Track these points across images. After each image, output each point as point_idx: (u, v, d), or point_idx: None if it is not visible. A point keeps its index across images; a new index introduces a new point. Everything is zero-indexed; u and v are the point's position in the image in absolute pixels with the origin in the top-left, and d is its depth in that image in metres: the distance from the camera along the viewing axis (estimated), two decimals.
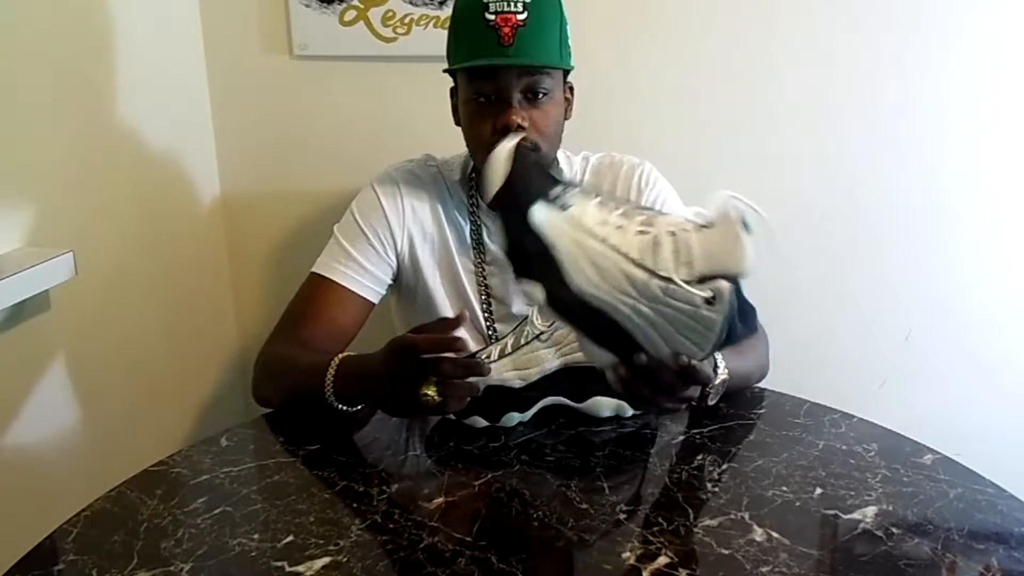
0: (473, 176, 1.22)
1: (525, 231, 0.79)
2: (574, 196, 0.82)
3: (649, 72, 1.50)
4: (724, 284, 0.77)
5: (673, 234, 0.80)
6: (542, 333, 0.97)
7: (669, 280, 0.79)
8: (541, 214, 0.79)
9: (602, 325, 0.81)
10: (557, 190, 0.81)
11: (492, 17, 1.03)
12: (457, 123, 1.16)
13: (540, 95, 1.08)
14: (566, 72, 1.13)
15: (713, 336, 0.79)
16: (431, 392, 0.90)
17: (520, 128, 1.06)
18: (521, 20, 1.04)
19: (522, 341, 0.99)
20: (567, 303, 0.81)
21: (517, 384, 0.97)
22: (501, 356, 0.98)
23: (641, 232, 0.80)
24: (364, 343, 1.16)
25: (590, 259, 0.80)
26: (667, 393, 0.88)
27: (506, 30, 1.03)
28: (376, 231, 1.17)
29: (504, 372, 0.97)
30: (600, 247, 0.80)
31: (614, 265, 0.79)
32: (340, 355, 1.00)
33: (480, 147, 1.10)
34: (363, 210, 1.19)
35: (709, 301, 0.78)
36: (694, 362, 0.81)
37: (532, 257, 0.80)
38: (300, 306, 1.16)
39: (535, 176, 0.82)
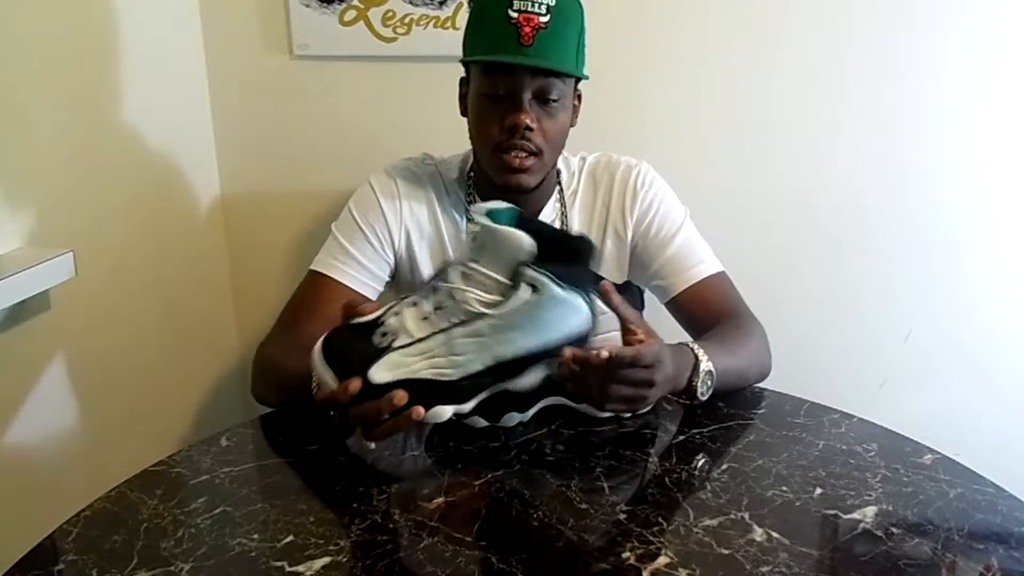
0: (472, 174, 1.22)
1: (382, 394, 0.82)
2: (391, 328, 0.85)
3: (648, 72, 1.50)
4: (526, 270, 0.83)
5: (465, 276, 0.86)
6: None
7: (496, 303, 0.84)
8: (380, 371, 0.83)
9: (508, 372, 0.86)
10: (376, 339, 0.85)
11: (515, 15, 1.03)
12: (463, 113, 1.16)
13: (551, 100, 1.08)
14: (577, 80, 1.13)
15: (577, 304, 0.84)
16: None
17: (528, 130, 1.07)
18: (543, 22, 1.04)
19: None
20: (467, 384, 0.85)
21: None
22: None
23: (451, 300, 0.85)
24: None
25: (446, 354, 0.84)
26: (619, 379, 0.89)
27: (527, 30, 1.03)
28: (374, 228, 1.18)
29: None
30: (439, 340, 0.84)
31: (464, 338, 0.84)
32: None
33: (485, 143, 1.10)
34: (361, 208, 1.19)
35: (536, 289, 0.83)
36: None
37: (410, 405, 0.83)
38: (298, 303, 1.17)
39: (351, 348, 0.85)
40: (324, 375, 0.85)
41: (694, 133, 1.52)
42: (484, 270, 0.86)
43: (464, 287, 0.86)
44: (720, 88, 1.49)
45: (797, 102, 1.49)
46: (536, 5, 1.03)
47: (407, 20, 1.47)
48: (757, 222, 1.55)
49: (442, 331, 0.85)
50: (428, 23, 1.47)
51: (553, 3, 1.04)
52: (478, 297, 0.85)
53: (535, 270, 0.84)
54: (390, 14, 1.47)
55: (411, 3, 1.46)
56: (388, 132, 1.53)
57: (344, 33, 1.48)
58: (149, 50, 1.37)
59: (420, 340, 0.85)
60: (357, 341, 0.86)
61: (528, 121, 1.06)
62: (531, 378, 0.89)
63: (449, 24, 1.46)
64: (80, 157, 1.23)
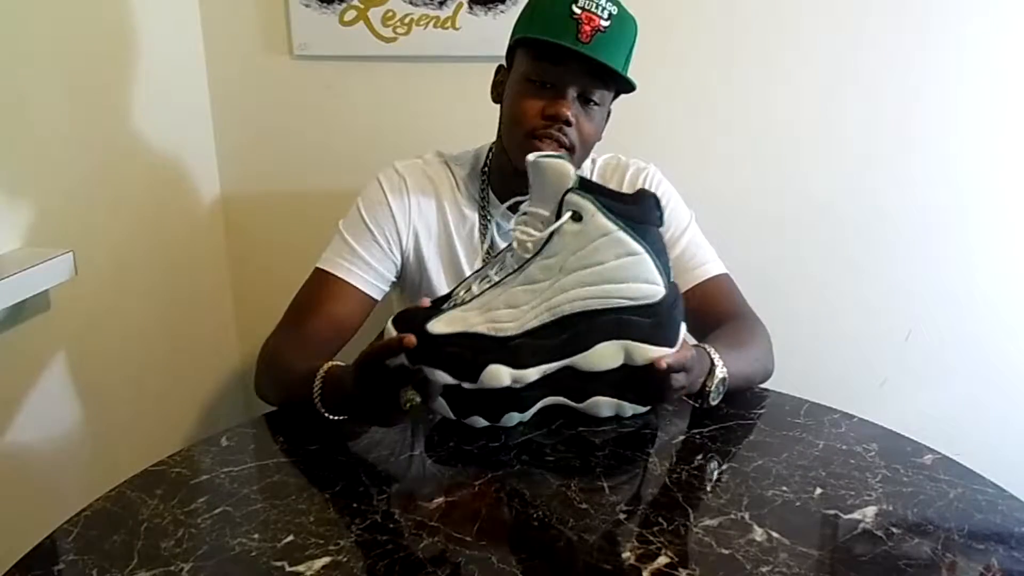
0: (486, 168, 1.21)
1: (439, 346, 0.84)
2: (458, 296, 0.89)
3: (656, 73, 1.50)
4: (570, 196, 0.83)
5: (520, 221, 0.88)
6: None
7: (546, 240, 0.84)
8: (438, 324, 0.85)
9: (567, 329, 0.86)
10: (443, 306, 0.88)
11: (578, 11, 1.04)
12: (495, 100, 1.16)
13: (593, 102, 1.09)
14: (615, 95, 1.14)
15: (625, 235, 0.83)
16: (412, 395, 0.89)
17: (567, 124, 1.07)
18: (603, 26, 1.05)
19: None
20: (527, 345, 0.86)
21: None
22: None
23: (511, 255, 0.88)
24: (366, 338, 1.16)
25: (502, 305, 0.85)
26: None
27: (587, 28, 1.04)
28: (382, 228, 1.17)
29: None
30: (496, 292, 0.86)
31: (519, 286, 0.86)
32: (326, 365, 0.98)
33: (520, 127, 1.10)
34: (369, 206, 1.17)
35: (579, 218, 0.83)
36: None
37: (465, 359, 0.84)
38: (303, 301, 1.16)
39: (417, 313, 0.88)
40: (391, 331, 0.86)
41: (699, 136, 1.52)
42: (534, 208, 0.86)
43: (517, 228, 0.87)
44: (725, 92, 1.49)
45: (799, 105, 1.49)
46: (600, 8, 1.05)
47: (407, 20, 1.47)
48: (759, 224, 1.55)
49: (499, 283, 0.86)
50: (428, 23, 1.47)
51: (616, 12, 1.06)
52: (529, 237, 0.84)
53: (579, 195, 0.83)
54: (390, 14, 1.47)
55: (411, 3, 1.46)
56: (388, 132, 1.53)
57: (344, 33, 1.48)
58: (149, 50, 1.37)
59: (479, 295, 0.86)
60: (427, 310, 0.88)
61: (569, 114, 1.07)
62: (602, 354, 0.87)
63: (449, 24, 1.46)
64: (80, 157, 1.23)
